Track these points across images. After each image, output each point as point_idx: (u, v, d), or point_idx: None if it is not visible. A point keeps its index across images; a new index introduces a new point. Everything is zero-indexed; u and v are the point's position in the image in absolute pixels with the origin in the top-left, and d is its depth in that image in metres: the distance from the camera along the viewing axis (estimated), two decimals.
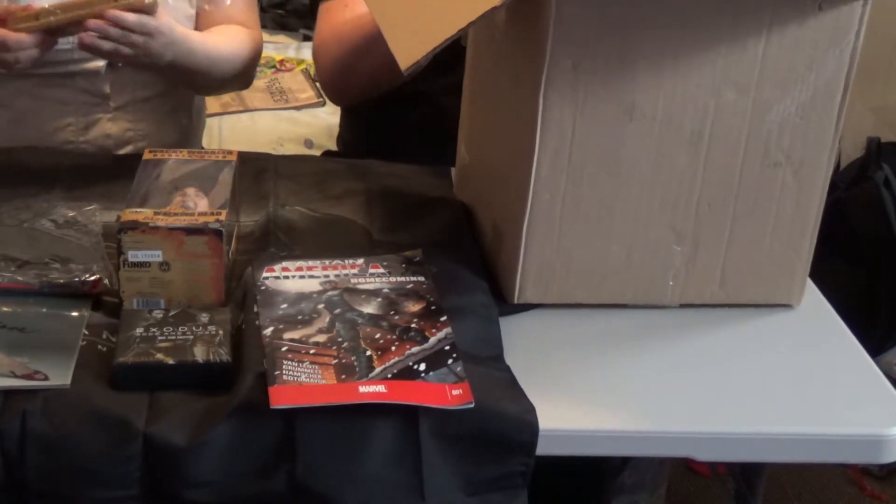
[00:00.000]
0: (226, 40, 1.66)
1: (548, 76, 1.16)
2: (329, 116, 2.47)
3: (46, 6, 1.42)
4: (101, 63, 1.60)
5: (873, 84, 2.50)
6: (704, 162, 1.23)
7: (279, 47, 2.93)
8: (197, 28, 1.70)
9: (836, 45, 1.19)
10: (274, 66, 2.78)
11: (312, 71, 2.75)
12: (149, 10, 1.44)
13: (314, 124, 2.50)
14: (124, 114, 1.64)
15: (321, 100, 2.60)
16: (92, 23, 1.42)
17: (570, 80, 1.17)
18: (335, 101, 1.84)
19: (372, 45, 1.56)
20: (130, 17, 1.44)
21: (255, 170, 1.51)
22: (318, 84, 2.66)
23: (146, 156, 1.34)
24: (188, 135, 1.76)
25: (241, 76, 1.72)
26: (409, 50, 1.13)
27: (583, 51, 1.16)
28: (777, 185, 1.25)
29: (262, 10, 3.06)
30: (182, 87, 1.72)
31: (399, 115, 1.74)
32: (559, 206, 1.23)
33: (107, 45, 1.45)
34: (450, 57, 1.58)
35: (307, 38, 3.00)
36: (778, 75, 1.20)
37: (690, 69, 1.18)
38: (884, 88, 2.55)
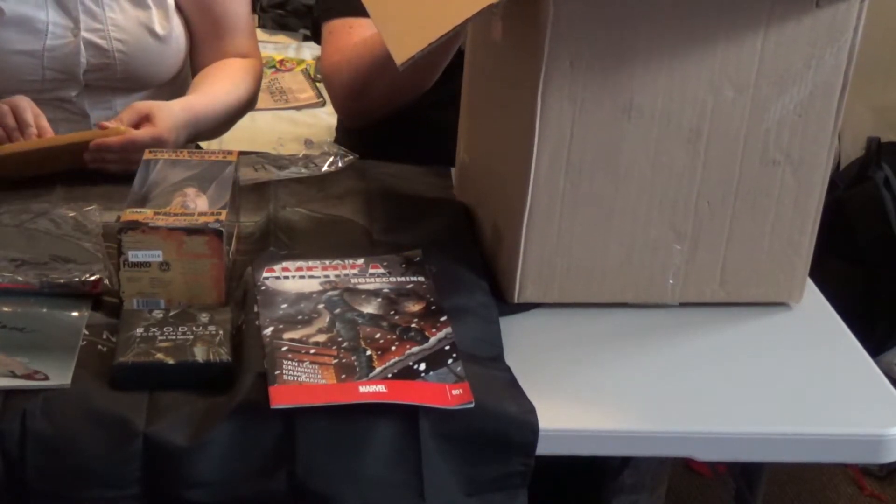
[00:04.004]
0: (227, 86, 1.69)
1: (546, 75, 1.16)
2: (329, 117, 2.47)
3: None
4: (73, 92, 1.61)
5: (873, 84, 2.49)
6: (703, 160, 1.23)
7: (279, 47, 2.93)
8: (198, 58, 1.72)
9: (834, 42, 1.19)
10: (274, 66, 2.79)
11: (312, 71, 2.76)
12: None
13: (314, 124, 2.51)
14: None
15: (321, 100, 2.60)
16: (89, 159, 1.46)
17: (568, 79, 1.17)
18: (350, 123, 1.83)
19: (383, 69, 1.56)
20: (114, 143, 1.46)
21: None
22: (318, 85, 2.67)
23: (146, 156, 1.34)
24: None
25: (247, 107, 1.76)
26: (404, 46, 1.13)
27: (581, 49, 1.16)
28: (776, 184, 1.25)
29: (262, 10, 3.06)
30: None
31: (389, 130, 1.73)
32: (558, 205, 1.23)
33: (114, 167, 1.48)
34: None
35: (307, 38, 3.01)
36: (776, 73, 1.20)
37: (688, 67, 1.18)
38: (884, 88, 2.55)
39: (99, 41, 1.60)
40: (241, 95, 1.70)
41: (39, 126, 1.47)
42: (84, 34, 1.59)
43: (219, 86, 1.68)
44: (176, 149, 1.43)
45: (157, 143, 1.47)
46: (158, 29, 1.63)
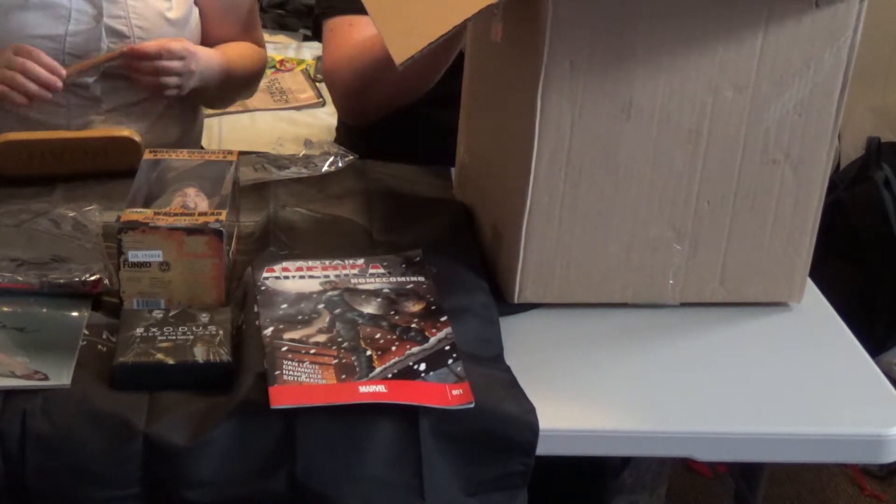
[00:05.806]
0: (238, 52, 1.77)
1: (545, 76, 1.16)
2: (329, 117, 2.47)
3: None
4: (90, 79, 1.62)
5: (873, 84, 2.49)
6: (703, 160, 1.23)
7: (279, 47, 2.93)
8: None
9: (834, 41, 1.19)
10: (274, 67, 2.78)
11: (312, 71, 2.76)
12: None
13: (314, 124, 2.50)
14: (116, 116, 1.65)
15: (321, 100, 2.60)
16: (124, 63, 1.58)
17: (567, 80, 1.17)
18: (352, 122, 1.83)
19: (383, 70, 1.56)
20: (150, 47, 1.58)
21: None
22: (318, 85, 2.67)
23: (146, 156, 1.34)
24: (182, 136, 1.77)
25: (249, 87, 1.85)
26: (404, 46, 1.12)
27: (580, 50, 1.16)
28: (776, 183, 1.25)
29: (262, 10, 3.06)
30: (199, 102, 1.81)
31: (389, 130, 1.73)
32: (558, 205, 1.23)
33: (146, 79, 1.59)
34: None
35: (307, 39, 3.01)
36: (776, 73, 1.20)
37: (688, 67, 1.18)
38: (884, 88, 2.55)
39: (121, 27, 1.61)
40: (255, 60, 1.80)
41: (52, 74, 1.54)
42: (106, 20, 1.60)
43: (238, 45, 1.78)
44: (196, 108, 1.51)
45: (190, 55, 1.60)
46: (176, 17, 1.66)
